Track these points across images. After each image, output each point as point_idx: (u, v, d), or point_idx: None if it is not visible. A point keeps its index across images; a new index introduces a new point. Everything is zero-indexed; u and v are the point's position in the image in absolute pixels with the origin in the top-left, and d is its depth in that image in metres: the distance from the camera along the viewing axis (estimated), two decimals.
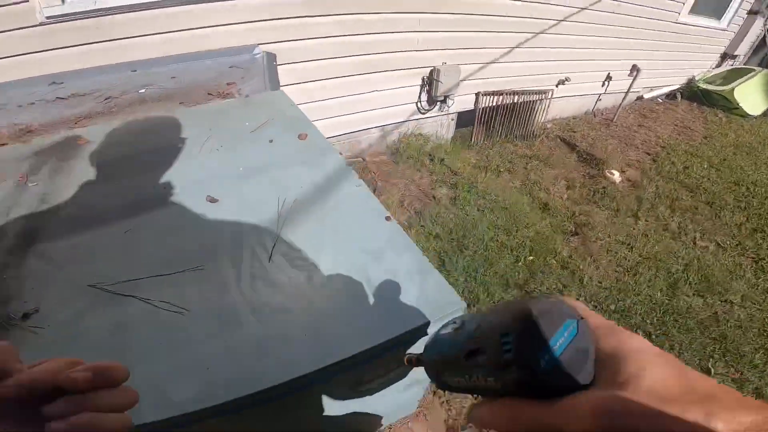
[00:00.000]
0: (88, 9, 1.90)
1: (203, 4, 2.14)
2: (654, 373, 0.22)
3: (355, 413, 0.92)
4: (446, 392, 1.65)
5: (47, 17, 1.84)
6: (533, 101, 3.96)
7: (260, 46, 2.37)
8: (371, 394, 0.79)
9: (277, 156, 1.11)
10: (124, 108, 1.68)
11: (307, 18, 2.39)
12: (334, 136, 3.02)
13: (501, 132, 3.92)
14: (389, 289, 0.73)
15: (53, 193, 0.99)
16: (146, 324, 0.67)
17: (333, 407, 0.77)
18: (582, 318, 0.25)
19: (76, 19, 1.92)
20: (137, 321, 0.67)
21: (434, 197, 2.85)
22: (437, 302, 0.72)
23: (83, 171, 1.06)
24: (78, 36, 1.95)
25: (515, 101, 3.80)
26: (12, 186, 1.03)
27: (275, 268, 0.77)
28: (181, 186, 0.99)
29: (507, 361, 0.23)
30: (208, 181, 1.01)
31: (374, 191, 2.80)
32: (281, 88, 2.52)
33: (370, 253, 0.80)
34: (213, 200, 0.93)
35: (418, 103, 3.22)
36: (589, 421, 0.21)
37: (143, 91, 1.85)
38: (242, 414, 0.59)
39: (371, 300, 0.72)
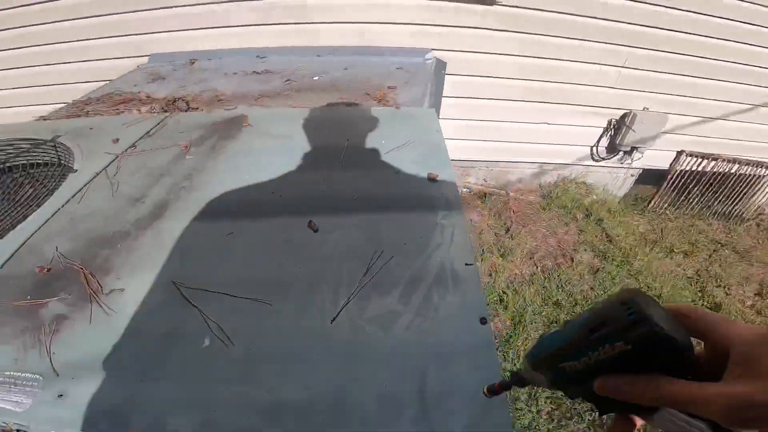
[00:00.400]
0: None
1: None
2: None
3: None
4: None
5: None
6: (757, 176, 2.95)
7: (433, 51, 2.30)
8: None
9: (397, 193, 1.02)
10: (296, 93, 1.83)
11: (484, 30, 2.21)
12: (482, 161, 2.81)
13: (695, 204, 3.06)
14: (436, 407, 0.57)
15: (197, 173, 1.11)
16: (194, 339, 0.67)
17: None
18: None
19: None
20: (189, 332, 0.68)
21: (573, 260, 2.40)
22: None
23: (229, 158, 1.17)
24: (279, 15, 2.21)
25: (730, 170, 2.89)
26: (176, 153, 1.21)
27: (334, 328, 0.68)
28: (293, 199, 0.99)
29: (633, 321, 0.28)
30: (319, 200, 0.99)
31: (506, 231, 2.52)
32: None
33: (439, 356, 0.64)
34: (314, 229, 0.90)
35: (594, 148, 2.73)
36: (723, 411, 0.25)
37: (317, 78, 2.00)
38: None
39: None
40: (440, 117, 2.55)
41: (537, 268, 2.34)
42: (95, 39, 2.27)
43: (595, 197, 2.88)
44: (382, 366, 0.63)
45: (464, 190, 2.89)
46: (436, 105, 2.49)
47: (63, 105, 1.84)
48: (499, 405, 0.58)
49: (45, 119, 1.64)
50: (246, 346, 0.65)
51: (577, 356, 0.31)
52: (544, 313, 2.10)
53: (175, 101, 1.70)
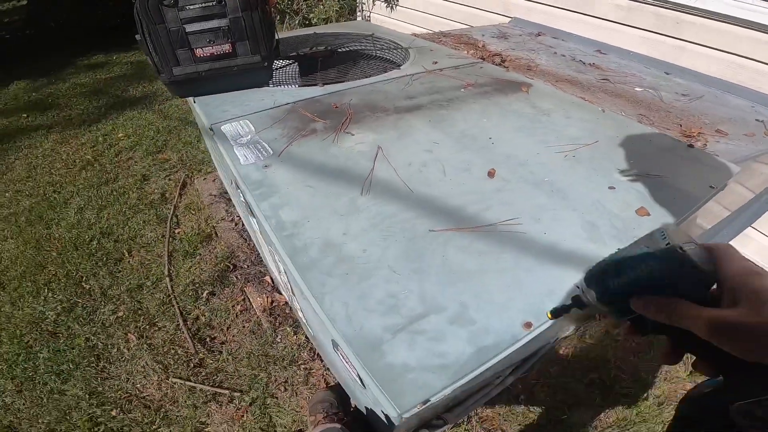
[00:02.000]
0: (683, 2, 1.85)
1: None
2: None
3: None
4: None
5: None
6: None
7: None
8: None
9: (591, 202, 0.93)
10: (600, 91, 1.72)
11: None
12: None
13: None
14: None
15: (456, 101, 1.35)
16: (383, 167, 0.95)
17: None
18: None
19: (665, 7, 1.93)
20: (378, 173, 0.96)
21: None
22: None
23: (485, 104, 1.34)
24: (642, 19, 2.00)
25: None
26: (459, 84, 1.47)
27: (419, 235, 0.82)
28: (502, 151, 1.09)
29: (666, 243, 0.34)
30: (515, 165, 1.04)
31: None
32: None
33: (460, 314, 0.68)
34: (491, 174, 0.99)
35: None
36: (705, 328, 0.30)
37: (639, 90, 1.78)
38: None
39: None
40: None
41: None
42: None
43: None
44: None
45: None
46: None
47: (434, 32, 2.43)
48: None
49: (415, 35, 2.24)
50: (374, 196, 0.89)
51: (620, 273, 0.36)
52: None
53: (495, 55, 1.96)
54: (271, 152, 1.08)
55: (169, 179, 2.54)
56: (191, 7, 1.27)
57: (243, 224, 2.09)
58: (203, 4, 1.29)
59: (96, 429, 1.37)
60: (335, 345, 0.71)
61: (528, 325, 0.67)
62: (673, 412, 0.40)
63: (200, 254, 1.98)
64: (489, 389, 1.40)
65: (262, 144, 1.11)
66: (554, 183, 0.99)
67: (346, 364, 0.71)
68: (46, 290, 1.86)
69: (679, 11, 1.90)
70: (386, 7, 3.74)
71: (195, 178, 2.52)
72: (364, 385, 0.65)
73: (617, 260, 0.37)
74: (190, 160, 2.70)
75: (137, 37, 1.29)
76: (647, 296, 0.35)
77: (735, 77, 1.82)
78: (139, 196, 2.41)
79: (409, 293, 0.72)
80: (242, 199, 1.17)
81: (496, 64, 1.84)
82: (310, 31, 2.24)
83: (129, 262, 1.98)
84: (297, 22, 4.25)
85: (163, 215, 2.24)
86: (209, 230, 2.10)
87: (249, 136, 1.14)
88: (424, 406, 0.57)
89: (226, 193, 2.29)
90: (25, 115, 3.47)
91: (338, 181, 0.98)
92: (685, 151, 1.20)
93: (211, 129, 1.20)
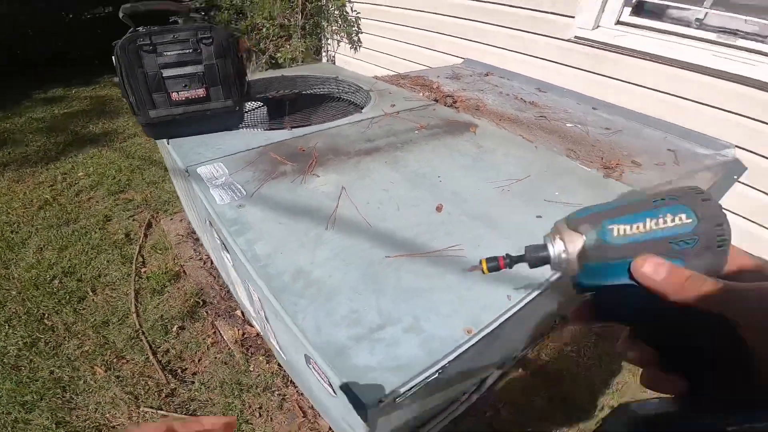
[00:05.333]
0: (606, 41, 2.16)
1: (712, 78, 1.89)
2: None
3: None
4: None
5: (575, 37, 2.27)
6: None
7: (737, 149, 1.87)
8: None
9: (520, 228, 1.11)
10: (537, 128, 1.98)
11: None
12: None
13: None
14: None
15: (410, 144, 1.56)
16: (322, 211, 1.09)
17: None
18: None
19: (593, 47, 2.24)
20: (326, 207, 1.10)
21: None
22: None
23: (436, 145, 1.53)
24: (576, 59, 2.31)
25: None
26: (413, 127, 1.66)
27: (376, 261, 0.96)
28: (446, 188, 1.26)
29: (703, 198, 0.28)
30: (459, 200, 1.22)
31: None
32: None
33: (413, 323, 0.81)
34: (439, 209, 1.15)
35: None
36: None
37: (569, 125, 2.05)
38: None
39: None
40: None
41: None
42: (436, 33, 3.04)
43: None
44: None
45: None
46: None
47: (394, 73, 2.67)
48: None
49: (377, 77, 2.46)
50: (337, 230, 1.03)
51: (632, 220, 0.28)
52: None
53: (447, 97, 2.19)
54: (245, 193, 1.19)
55: (134, 219, 2.55)
56: (169, 53, 1.39)
57: (212, 262, 2.14)
58: (180, 51, 1.42)
59: None
60: (308, 359, 0.82)
61: (469, 330, 0.82)
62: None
63: (168, 292, 2.01)
64: (456, 405, 1.53)
65: (236, 185, 1.23)
66: (491, 215, 1.16)
67: (317, 375, 0.81)
68: (6, 327, 1.83)
69: (600, 49, 2.21)
70: (350, 48, 4.02)
71: (161, 218, 2.55)
72: (334, 391, 0.76)
73: (627, 203, 0.29)
74: (155, 200, 2.73)
75: (116, 79, 1.39)
76: (662, 258, 0.27)
77: (651, 110, 2.12)
78: (102, 236, 2.40)
79: (369, 309, 0.85)
80: (216, 236, 1.27)
81: (448, 106, 2.07)
82: (277, 73, 2.40)
83: (93, 300, 1.98)
84: (264, 60, 4.44)
85: (129, 255, 2.25)
86: (177, 269, 2.14)
87: (223, 178, 1.26)
88: (386, 400, 0.69)
89: (194, 233, 2.35)
90: None
91: (306, 218, 1.11)
92: (601, 181, 1.43)
93: (186, 171, 1.30)
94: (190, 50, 1.44)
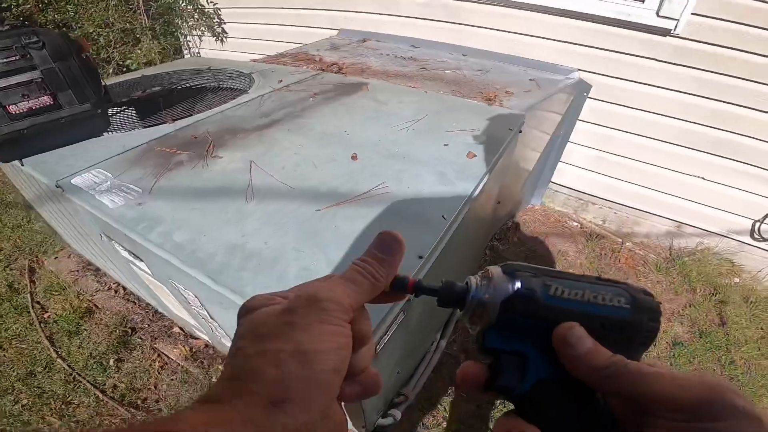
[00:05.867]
0: None
1: (544, 15, 2.19)
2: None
3: None
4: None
5: None
6: None
7: (579, 72, 2.23)
8: None
9: (435, 158, 1.19)
10: (422, 79, 2.10)
11: (648, 60, 2.01)
12: (607, 200, 2.56)
13: None
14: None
15: (308, 109, 1.51)
16: (239, 191, 1.03)
17: None
18: None
19: None
20: (239, 186, 1.04)
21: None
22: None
23: (335, 106, 1.53)
24: (435, 12, 2.47)
25: None
26: (306, 95, 1.64)
27: (308, 217, 0.95)
28: (356, 139, 1.28)
29: (645, 293, 0.28)
30: (371, 146, 1.25)
31: (598, 275, 2.27)
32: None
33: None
34: (354, 158, 1.17)
35: (758, 225, 2.16)
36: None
37: (448, 72, 2.22)
38: None
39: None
40: (570, 140, 2.45)
41: None
42: (305, 9, 2.99)
43: (737, 281, 2.27)
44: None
45: (574, 224, 2.68)
46: (569, 124, 2.40)
47: (271, 54, 2.56)
48: None
49: (254, 61, 2.34)
50: (259, 201, 0.98)
51: (571, 285, 0.27)
52: None
53: (332, 65, 2.19)
54: (140, 191, 1.06)
55: (11, 269, 2.14)
56: None
57: (124, 289, 1.88)
58: (4, 60, 1.19)
59: None
60: None
61: (420, 256, 0.86)
62: None
63: (86, 329, 1.78)
64: (429, 356, 1.59)
65: (126, 186, 1.08)
66: (404, 152, 1.22)
67: None
68: None
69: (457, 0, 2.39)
70: (216, 41, 3.72)
71: (42, 260, 2.15)
72: None
73: (571, 275, 0.28)
74: (27, 244, 2.28)
75: None
76: (586, 332, 0.26)
77: (508, 50, 2.39)
78: None
79: (318, 262, 0.84)
80: (121, 247, 1.11)
81: (335, 73, 2.07)
82: (136, 74, 2.14)
83: (4, 355, 1.71)
84: (111, 71, 3.88)
85: (22, 304, 1.94)
86: (85, 305, 1.86)
87: (108, 182, 1.09)
88: None
89: (90, 265, 2.02)
90: None
91: (221, 198, 1.03)
92: (488, 109, 1.59)
93: (58, 186, 1.10)
94: (17, 57, 1.22)
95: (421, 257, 0.85)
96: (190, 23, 3.85)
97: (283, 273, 0.82)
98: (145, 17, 3.96)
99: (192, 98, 1.81)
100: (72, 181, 1.11)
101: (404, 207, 0.99)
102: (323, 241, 0.89)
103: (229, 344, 1.26)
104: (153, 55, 3.75)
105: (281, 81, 1.86)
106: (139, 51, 3.85)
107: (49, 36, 1.27)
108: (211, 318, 1.10)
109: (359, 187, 1.05)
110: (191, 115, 1.53)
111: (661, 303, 0.27)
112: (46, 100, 1.28)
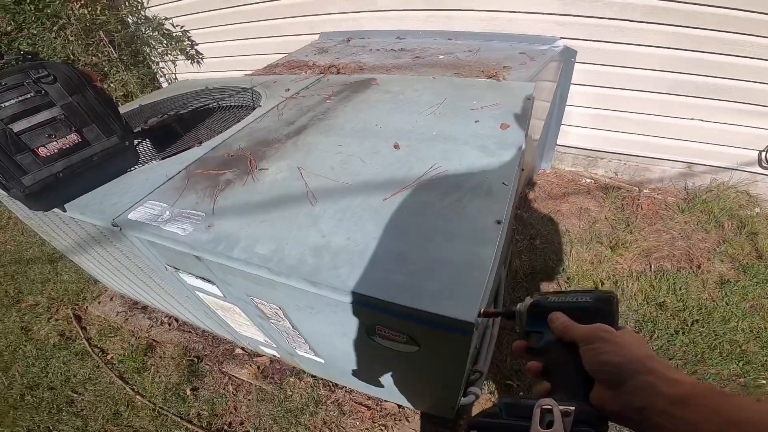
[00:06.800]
0: None
1: None
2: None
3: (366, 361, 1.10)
4: None
5: None
6: None
7: (563, 40, 2.31)
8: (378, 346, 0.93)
9: (471, 134, 1.24)
10: (421, 67, 2.14)
11: (626, 22, 2.11)
12: (615, 153, 2.66)
13: None
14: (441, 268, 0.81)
15: (330, 111, 1.54)
16: (298, 199, 1.06)
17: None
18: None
19: None
20: (295, 194, 1.07)
21: (700, 267, 2.13)
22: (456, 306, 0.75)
23: (354, 104, 1.56)
24: (414, 2, 2.51)
25: None
26: (321, 99, 1.66)
27: (387, 204, 0.98)
28: (389, 130, 1.31)
29: (610, 295, 0.52)
30: (407, 133, 1.29)
31: (626, 225, 2.36)
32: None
33: (449, 238, 0.87)
34: (397, 146, 1.21)
35: (765, 155, 2.30)
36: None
37: (442, 57, 2.27)
38: None
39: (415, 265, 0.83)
40: (568, 104, 2.54)
41: (650, 267, 2.16)
42: (281, 18, 2.99)
43: (758, 211, 2.41)
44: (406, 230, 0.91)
45: (588, 180, 2.78)
46: (564, 89, 2.49)
47: (260, 68, 2.56)
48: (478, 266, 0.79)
49: (248, 75, 2.34)
50: (323, 202, 1.01)
51: (559, 296, 0.54)
52: (641, 311, 1.97)
53: (329, 67, 2.21)
54: (203, 214, 1.07)
55: (56, 320, 2.14)
56: (6, 104, 1.12)
57: (177, 321, 1.88)
58: (20, 98, 1.15)
59: None
60: (372, 330, 0.82)
61: (498, 221, 0.90)
62: None
63: (152, 364, 1.82)
64: (490, 332, 1.64)
65: (187, 212, 1.09)
66: (441, 134, 1.26)
67: (389, 337, 0.82)
68: None
69: None
70: (192, 63, 3.67)
71: (86, 307, 2.14)
72: (415, 341, 0.78)
73: (563, 291, 0.55)
74: (64, 295, 2.25)
75: None
76: (563, 315, 0.51)
77: (490, 28, 2.46)
78: (36, 346, 2.02)
79: (407, 245, 0.88)
80: (189, 275, 1.13)
81: (336, 74, 2.09)
82: (134, 105, 2.12)
83: (83, 399, 1.74)
84: None
85: (80, 350, 1.96)
86: (145, 341, 1.88)
87: (168, 212, 1.10)
88: (478, 312, 0.74)
89: (137, 303, 2.01)
90: None
91: (284, 206, 1.06)
92: (497, 84, 1.64)
93: (115, 225, 1.11)
94: (32, 94, 1.18)
95: (498, 222, 0.90)
96: (159, 50, 3.79)
97: (377, 262, 0.85)
98: (111, 49, 3.87)
99: (206, 119, 1.81)
100: (129, 216, 1.11)
101: (463, 181, 1.04)
102: (403, 226, 0.93)
103: (304, 354, 1.28)
104: (132, 85, 3.68)
105: (288, 90, 1.88)
106: (112, 85, 3.77)
107: (57, 69, 1.22)
108: (294, 328, 1.12)
109: (413, 172, 1.09)
110: (216, 136, 1.53)
111: (615, 296, 0.51)
112: (73, 138, 1.25)
